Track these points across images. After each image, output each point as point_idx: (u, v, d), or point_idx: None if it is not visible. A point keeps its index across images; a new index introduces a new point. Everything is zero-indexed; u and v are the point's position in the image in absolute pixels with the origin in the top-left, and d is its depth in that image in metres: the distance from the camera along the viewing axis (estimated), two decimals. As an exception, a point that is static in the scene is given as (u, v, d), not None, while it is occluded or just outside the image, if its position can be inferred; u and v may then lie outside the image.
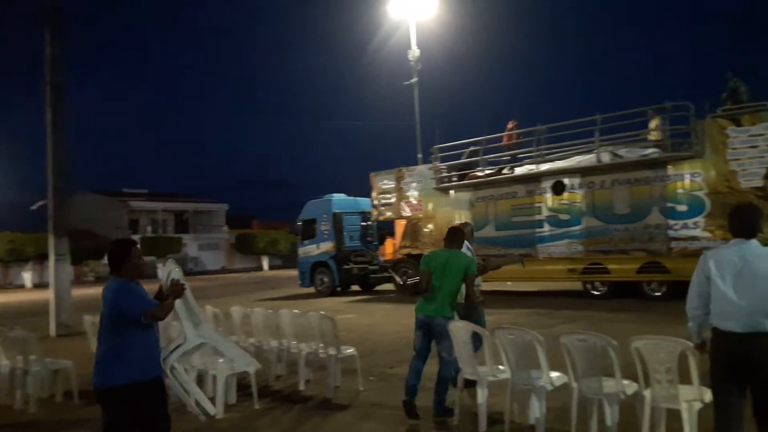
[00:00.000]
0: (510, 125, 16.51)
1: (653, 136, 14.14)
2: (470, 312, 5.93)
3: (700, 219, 12.87)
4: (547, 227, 15.06)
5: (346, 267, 19.67)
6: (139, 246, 3.99)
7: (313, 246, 20.38)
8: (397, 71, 28.35)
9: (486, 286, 19.17)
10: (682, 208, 13.11)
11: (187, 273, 46.99)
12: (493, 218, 16.09)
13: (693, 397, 4.10)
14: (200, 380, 6.52)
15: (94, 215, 44.29)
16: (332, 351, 6.68)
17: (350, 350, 6.90)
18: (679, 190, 13.17)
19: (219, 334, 5.65)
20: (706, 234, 12.73)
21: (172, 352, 4.89)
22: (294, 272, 22.51)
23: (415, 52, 24.74)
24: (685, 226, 13.05)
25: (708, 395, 4.12)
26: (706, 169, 12.84)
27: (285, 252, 49.60)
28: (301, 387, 6.93)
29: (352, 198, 21.11)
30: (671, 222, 13.22)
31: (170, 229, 53.58)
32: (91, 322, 7.93)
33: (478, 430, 5.08)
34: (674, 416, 4.25)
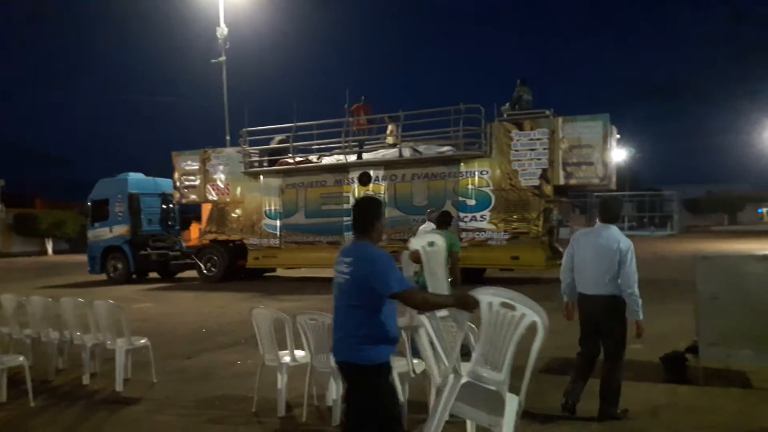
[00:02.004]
0: (358, 107, 16.07)
1: (390, 140, 15.37)
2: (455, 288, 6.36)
3: (486, 213, 14.21)
4: (353, 216, 15.54)
5: (144, 252, 18.45)
6: None
7: (106, 229, 18.77)
8: (207, 49, 27.15)
9: (282, 272, 19.17)
10: (472, 202, 14.37)
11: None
12: (303, 205, 16.21)
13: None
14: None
15: None
16: (121, 342, 6.25)
17: (143, 341, 6.51)
18: (470, 186, 14.41)
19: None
20: (491, 226, 14.12)
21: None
22: (83, 257, 20.53)
23: (223, 30, 23.88)
24: (474, 219, 14.33)
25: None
26: (493, 167, 14.19)
27: (73, 235, 44.89)
28: (86, 381, 6.38)
29: (151, 178, 19.75)
30: (462, 214, 14.40)
31: (-72, 206, 45.91)
32: None
33: (277, 415, 5.11)
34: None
